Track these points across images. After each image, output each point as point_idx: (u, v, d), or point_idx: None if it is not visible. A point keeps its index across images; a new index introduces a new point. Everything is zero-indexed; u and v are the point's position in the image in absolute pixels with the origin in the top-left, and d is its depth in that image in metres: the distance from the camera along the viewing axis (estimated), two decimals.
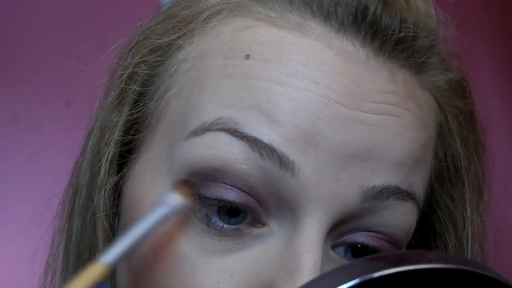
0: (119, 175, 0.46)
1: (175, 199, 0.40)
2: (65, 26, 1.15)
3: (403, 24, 0.42)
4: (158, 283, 0.41)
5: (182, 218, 0.41)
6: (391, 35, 0.41)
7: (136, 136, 0.46)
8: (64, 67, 1.13)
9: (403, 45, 0.42)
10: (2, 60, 1.13)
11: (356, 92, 0.40)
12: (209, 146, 0.40)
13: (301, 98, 0.39)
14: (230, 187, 0.40)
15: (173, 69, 0.44)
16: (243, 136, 0.39)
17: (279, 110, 0.39)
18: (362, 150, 0.40)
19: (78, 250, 0.48)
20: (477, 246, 0.50)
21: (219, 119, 0.40)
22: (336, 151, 0.39)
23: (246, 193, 0.40)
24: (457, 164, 0.48)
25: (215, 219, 0.40)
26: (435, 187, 0.47)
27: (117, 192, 0.47)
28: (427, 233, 0.50)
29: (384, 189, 0.41)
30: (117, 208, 0.47)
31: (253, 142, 0.39)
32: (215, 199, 0.40)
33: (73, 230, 0.49)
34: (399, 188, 0.41)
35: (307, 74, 0.40)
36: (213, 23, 0.43)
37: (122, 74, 0.48)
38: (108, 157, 0.46)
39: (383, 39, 0.42)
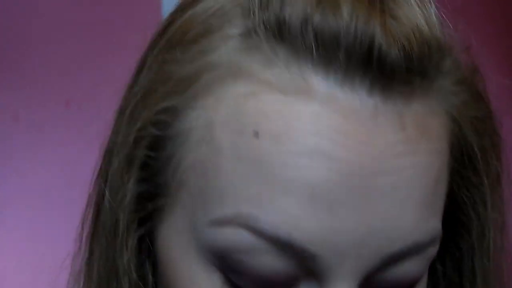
0: (142, 227, 0.47)
1: None
2: (65, 26, 1.15)
3: (411, 55, 0.41)
4: None
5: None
6: (398, 73, 0.40)
7: (159, 197, 0.46)
8: (64, 67, 1.13)
9: (411, 80, 0.41)
10: (2, 61, 1.13)
11: (368, 159, 0.40)
12: (232, 239, 0.41)
13: (316, 181, 0.40)
14: (258, 275, 0.41)
15: (182, 136, 0.44)
16: (263, 234, 0.41)
17: (295, 202, 0.40)
18: (377, 226, 0.41)
19: None
20: (499, 234, 0.50)
21: (239, 214, 0.41)
22: (354, 233, 0.40)
23: (274, 279, 0.42)
24: (475, 162, 0.48)
25: None
26: (455, 180, 0.48)
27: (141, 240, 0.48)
28: (451, 222, 0.50)
29: (403, 252, 0.42)
30: (144, 254, 0.48)
31: (274, 239, 0.40)
32: (243, 285, 0.42)
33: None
34: (418, 246, 0.42)
35: (319, 148, 0.40)
36: (214, 87, 0.43)
37: (128, 134, 0.47)
38: (125, 225, 0.47)
39: (390, 80, 0.41)
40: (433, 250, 0.44)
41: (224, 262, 0.42)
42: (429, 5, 0.43)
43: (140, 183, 0.46)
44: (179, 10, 0.47)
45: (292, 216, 0.40)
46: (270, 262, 0.41)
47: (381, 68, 0.40)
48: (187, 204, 0.44)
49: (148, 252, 0.48)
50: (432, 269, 0.49)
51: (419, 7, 0.42)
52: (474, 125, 0.46)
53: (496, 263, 0.51)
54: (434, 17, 0.43)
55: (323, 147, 0.40)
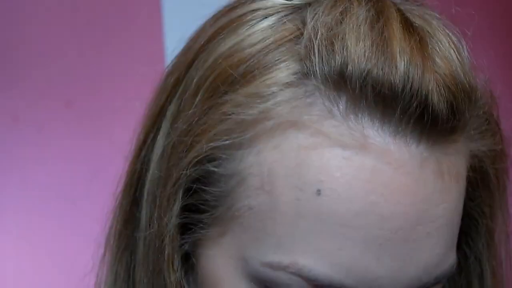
0: (184, 241, 0.49)
1: None
2: (65, 26, 1.15)
3: (455, 110, 0.44)
4: None
5: None
6: (444, 126, 0.44)
7: (210, 225, 0.48)
8: (64, 67, 1.13)
9: (453, 130, 0.45)
10: (2, 60, 1.13)
11: (412, 210, 0.44)
12: (284, 281, 0.44)
13: (369, 238, 0.44)
14: None
15: (239, 178, 0.46)
16: (316, 285, 0.44)
17: (349, 257, 0.44)
18: (412, 270, 0.45)
19: None
20: (505, 246, 0.55)
21: (295, 264, 0.44)
22: (393, 277, 0.45)
23: None
24: (489, 181, 0.52)
25: None
26: (466, 200, 0.51)
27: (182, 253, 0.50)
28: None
29: (424, 285, 0.46)
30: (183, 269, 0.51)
31: (326, 285, 0.44)
32: None
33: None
34: (438, 278, 0.46)
35: (373, 208, 0.43)
36: (276, 134, 0.45)
37: (176, 167, 0.48)
38: (170, 255, 0.49)
39: (437, 132, 0.44)
40: (450, 275, 0.48)
41: None
42: (463, 50, 0.47)
43: (186, 210, 0.48)
44: (219, 28, 0.48)
45: (345, 268, 0.44)
46: None
47: (432, 123, 0.43)
48: (239, 237, 0.46)
49: (190, 267, 0.50)
50: None
51: (457, 55, 0.45)
52: (491, 154, 0.50)
53: (501, 273, 0.55)
54: (467, 62, 0.46)
55: (377, 206, 0.43)
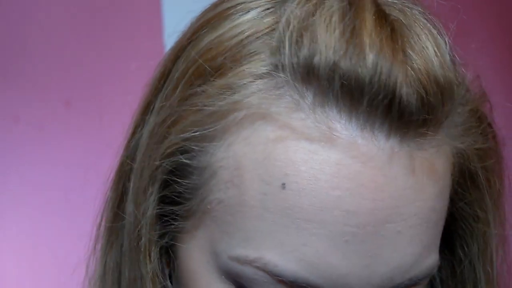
0: (165, 232, 0.50)
1: None
2: (65, 26, 1.15)
3: (427, 104, 0.43)
4: None
5: None
6: (415, 119, 0.43)
7: (184, 218, 0.49)
8: (64, 67, 1.13)
9: (426, 124, 0.44)
10: (2, 60, 1.13)
11: (380, 206, 0.43)
12: (250, 276, 0.45)
13: (335, 234, 0.43)
14: None
15: (210, 171, 0.46)
16: (281, 280, 0.44)
17: (314, 254, 0.43)
18: (382, 268, 0.44)
19: None
20: (501, 250, 0.54)
21: (261, 258, 0.44)
22: (361, 275, 0.44)
23: None
24: (478, 182, 0.51)
25: None
26: (455, 201, 0.50)
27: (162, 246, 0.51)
28: (451, 235, 0.53)
29: (401, 285, 0.45)
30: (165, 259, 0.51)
31: (292, 282, 0.44)
32: None
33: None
34: (415, 279, 0.45)
35: (339, 204, 0.43)
36: (246, 126, 0.45)
37: (150, 158, 0.49)
38: (147, 245, 0.49)
39: (407, 125, 0.43)
40: (429, 277, 0.47)
41: (240, 284, 0.45)
42: (444, 44, 0.45)
43: (162, 201, 0.49)
44: (209, 19, 0.49)
45: (310, 264, 0.43)
46: None
47: (400, 116, 0.42)
48: (211, 230, 0.46)
49: (168, 260, 0.51)
50: (431, 282, 0.53)
51: (434, 49, 0.44)
52: (479, 152, 0.49)
53: (497, 276, 0.54)
54: (448, 57, 0.45)
55: (342, 201, 0.43)
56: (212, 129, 0.45)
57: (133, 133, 0.52)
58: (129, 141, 0.53)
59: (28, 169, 1.11)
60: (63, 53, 1.14)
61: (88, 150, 1.09)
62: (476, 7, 1.23)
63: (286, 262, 0.44)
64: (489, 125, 0.50)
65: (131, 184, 0.50)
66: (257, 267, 0.44)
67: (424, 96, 0.42)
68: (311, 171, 0.43)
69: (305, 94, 0.43)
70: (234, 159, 0.45)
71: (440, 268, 0.53)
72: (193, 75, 0.47)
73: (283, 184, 0.43)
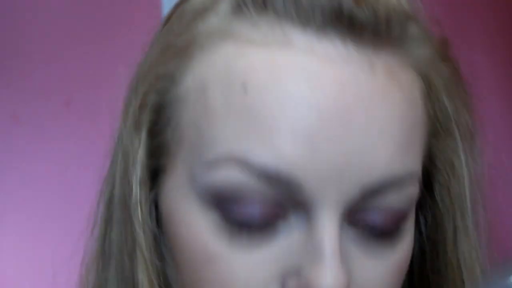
0: (153, 192, 0.52)
1: None
2: (65, 26, 1.15)
3: (377, 14, 0.46)
4: (202, 278, 0.48)
5: (210, 227, 0.47)
6: (367, 27, 0.46)
7: (160, 162, 0.51)
8: (64, 67, 1.13)
9: (379, 33, 0.47)
10: (2, 60, 1.13)
11: (343, 99, 0.45)
12: (225, 176, 0.46)
13: (299, 123, 0.45)
14: (252, 210, 0.46)
15: (180, 98, 0.49)
16: (252, 166, 0.45)
17: (281, 138, 0.45)
18: (355, 156, 0.45)
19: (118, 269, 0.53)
20: (478, 191, 0.55)
21: (230, 154, 0.46)
22: (334, 162, 0.45)
23: (267, 213, 0.46)
24: (448, 119, 0.52)
25: (241, 226, 0.47)
26: (432, 142, 0.52)
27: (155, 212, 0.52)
28: (431, 183, 0.54)
29: (381, 184, 0.46)
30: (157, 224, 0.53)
31: (261, 171, 0.45)
32: (239, 220, 0.46)
33: (111, 248, 0.54)
34: (396, 178, 0.46)
35: (300, 96, 0.45)
36: (206, 50, 0.49)
37: (134, 103, 0.52)
38: (138, 180, 0.51)
39: (360, 32, 0.46)
40: (413, 189, 0.48)
41: (220, 200, 0.46)
42: None
43: (148, 148, 0.51)
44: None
45: (278, 151, 0.45)
46: (261, 197, 0.46)
47: (351, 23, 0.46)
48: (186, 158, 0.49)
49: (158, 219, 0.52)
50: (416, 233, 0.53)
51: None
52: (446, 85, 0.51)
53: (476, 221, 0.55)
54: None
55: (303, 94, 0.45)
56: (180, 62, 0.49)
57: (125, 108, 0.56)
58: (122, 116, 0.56)
59: (28, 169, 1.11)
60: (63, 53, 1.14)
61: (88, 150, 1.09)
62: (474, 6, 1.23)
63: (254, 152, 0.45)
64: (454, 65, 0.52)
65: (120, 146, 0.53)
66: (230, 164, 0.46)
67: (374, 6, 0.46)
68: (271, 72, 0.46)
69: (264, 17, 0.47)
70: (199, 81, 0.48)
71: (426, 223, 0.55)
72: (165, 28, 0.53)
73: (244, 85, 0.46)
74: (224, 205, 0.46)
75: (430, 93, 0.50)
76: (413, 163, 0.48)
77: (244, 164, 0.45)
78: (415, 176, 0.48)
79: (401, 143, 0.46)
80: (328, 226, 0.45)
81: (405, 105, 0.47)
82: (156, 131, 0.51)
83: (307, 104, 0.45)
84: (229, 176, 0.46)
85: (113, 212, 0.54)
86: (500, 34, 1.24)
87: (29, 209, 1.11)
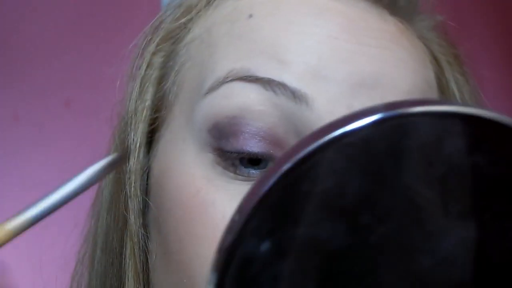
0: (147, 158, 0.49)
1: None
2: (65, 26, 1.15)
3: None
4: (190, 235, 0.43)
5: (205, 171, 0.43)
6: None
7: (158, 116, 0.49)
8: (64, 67, 1.13)
9: (395, 2, 0.46)
10: (2, 60, 1.13)
11: (353, 28, 0.44)
12: (225, 96, 0.43)
13: (304, 39, 0.43)
14: (249, 136, 0.42)
15: (184, 49, 0.48)
16: (256, 79, 0.42)
17: (285, 52, 0.43)
18: (368, 79, 0.42)
19: (106, 245, 0.51)
20: None
21: (232, 70, 0.43)
22: (343, 81, 0.42)
23: (265, 139, 0.42)
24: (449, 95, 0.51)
25: (240, 166, 0.43)
26: None
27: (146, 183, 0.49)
28: None
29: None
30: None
31: (266, 83, 0.42)
32: (235, 152, 0.43)
33: (100, 225, 0.52)
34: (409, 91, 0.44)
35: (306, 19, 0.44)
36: (216, 3, 0.47)
37: (140, 64, 0.51)
38: (136, 144, 0.48)
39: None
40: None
41: (218, 130, 0.43)
42: None
43: (150, 108, 0.49)
44: None
45: (283, 63, 0.43)
46: (263, 116, 0.42)
47: None
48: (184, 101, 0.46)
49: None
50: None
51: None
52: (450, 65, 0.50)
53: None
54: None
55: (311, 18, 0.43)
56: (186, 19, 0.49)
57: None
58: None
59: (28, 169, 1.11)
60: (63, 53, 1.14)
61: (87, 150, 1.09)
62: (476, 5, 1.23)
63: (257, 65, 0.43)
64: (456, 50, 0.51)
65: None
66: (231, 80, 0.43)
67: None
68: (278, 3, 0.45)
69: None
70: (205, 27, 0.47)
71: None
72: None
73: (250, 14, 0.45)
74: (221, 140, 0.43)
75: (437, 70, 0.49)
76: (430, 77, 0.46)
77: (246, 77, 0.43)
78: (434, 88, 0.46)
79: (416, 88, 0.44)
80: None
81: (419, 60, 0.46)
82: (159, 91, 0.49)
83: (316, 26, 0.43)
84: (229, 95, 0.43)
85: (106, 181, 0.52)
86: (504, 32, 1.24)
87: None
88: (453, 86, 0.50)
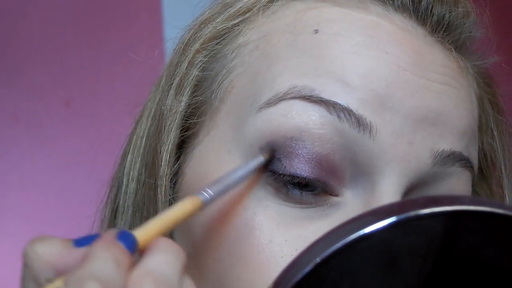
0: (178, 163, 0.47)
1: (262, 158, 0.41)
2: (65, 26, 1.15)
3: (453, 10, 0.45)
4: (232, 256, 0.41)
5: (255, 190, 0.42)
6: (443, 18, 0.44)
7: (196, 121, 0.46)
8: (64, 67, 1.13)
9: (454, 31, 0.45)
10: (2, 60, 1.13)
11: (421, 62, 0.42)
12: (284, 114, 0.41)
13: (374, 65, 0.41)
14: (304, 160, 0.40)
15: (234, 53, 0.45)
16: (321, 101, 0.40)
17: (354, 75, 0.41)
18: (431, 114, 0.42)
19: None
20: None
21: (294, 87, 0.41)
22: (409, 114, 0.41)
23: (320, 164, 0.41)
24: (494, 151, 0.50)
25: (292, 189, 0.41)
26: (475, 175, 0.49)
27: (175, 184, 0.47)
28: None
29: (451, 154, 0.42)
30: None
31: (331, 106, 0.40)
32: (287, 175, 0.41)
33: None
34: (463, 155, 0.43)
35: (377, 44, 0.42)
36: (273, 8, 0.45)
37: (181, 62, 0.48)
38: (169, 146, 0.46)
39: (437, 21, 0.44)
40: (470, 182, 0.44)
41: (273, 149, 0.41)
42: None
43: (188, 104, 0.46)
44: None
45: (350, 86, 0.41)
46: (323, 141, 0.40)
47: (429, 10, 0.44)
48: (232, 109, 0.44)
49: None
50: None
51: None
52: (491, 103, 0.49)
53: None
54: (472, 6, 0.48)
55: (381, 44, 0.42)
56: (238, 20, 0.46)
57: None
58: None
59: (28, 169, 1.11)
60: (63, 53, 1.14)
61: (87, 150, 1.09)
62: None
63: (322, 85, 0.41)
64: (498, 92, 0.51)
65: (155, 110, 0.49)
66: (292, 98, 0.41)
67: (448, 3, 0.45)
68: (344, 22, 0.43)
69: None
70: (262, 32, 0.45)
71: None
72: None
73: (315, 30, 0.42)
74: (273, 160, 0.41)
75: (482, 122, 0.48)
76: (474, 158, 0.45)
77: (309, 97, 0.40)
78: (474, 172, 0.44)
79: (470, 128, 0.44)
80: (391, 198, 0.40)
81: (473, 101, 0.45)
82: (199, 90, 0.46)
83: (384, 56, 0.41)
84: (289, 114, 0.41)
85: (127, 182, 0.49)
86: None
87: (29, 209, 1.11)
88: (492, 124, 0.49)
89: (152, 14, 1.14)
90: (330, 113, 0.40)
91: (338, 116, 0.40)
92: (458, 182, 0.43)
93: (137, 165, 0.49)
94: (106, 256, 0.31)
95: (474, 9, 0.48)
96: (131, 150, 0.50)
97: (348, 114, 0.40)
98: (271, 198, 0.41)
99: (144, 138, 0.49)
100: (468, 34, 0.46)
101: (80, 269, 0.31)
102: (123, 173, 0.50)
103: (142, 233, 0.34)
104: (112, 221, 0.51)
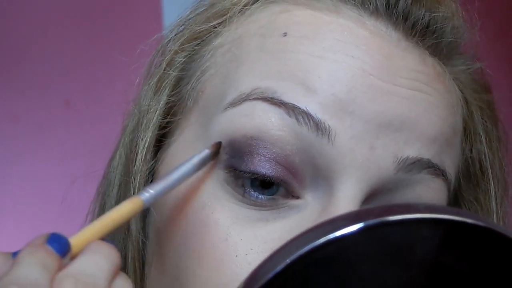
0: (154, 160, 0.48)
1: (207, 151, 0.42)
2: (65, 26, 1.15)
3: (431, 14, 0.44)
4: (189, 251, 0.42)
5: (214, 188, 0.42)
6: (420, 23, 0.43)
7: (172, 120, 0.47)
8: (64, 67, 1.13)
9: (431, 35, 0.44)
10: (2, 61, 1.13)
11: (389, 67, 0.42)
12: (246, 114, 0.42)
13: (337, 69, 0.41)
14: (265, 159, 0.41)
15: (209, 54, 0.46)
16: (281, 103, 0.41)
17: (315, 79, 0.41)
18: (395, 120, 0.41)
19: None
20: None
21: (257, 89, 0.42)
22: (370, 120, 0.41)
23: (281, 165, 0.41)
24: (483, 159, 0.49)
25: (250, 190, 0.42)
26: (461, 182, 0.49)
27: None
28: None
29: (417, 161, 0.42)
30: None
31: (290, 109, 0.41)
32: (248, 172, 0.41)
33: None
34: (431, 162, 0.42)
35: (343, 48, 0.42)
36: (250, 10, 0.45)
37: (160, 62, 0.49)
38: (145, 143, 0.47)
39: (413, 25, 0.43)
40: (443, 190, 0.43)
41: (234, 148, 0.42)
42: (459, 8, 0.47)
43: (164, 108, 0.47)
44: None
45: (311, 90, 0.41)
46: (281, 142, 0.41)
47: (406, 13, 0.43)
48: (202, 109, 0.45)
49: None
50: None
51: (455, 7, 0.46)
52: (482, 111, 0.48)
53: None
54: (458, 8, 0.47)
55: (348, 48, 0.42)
56: (216, 22, 0.46)
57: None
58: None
59: (28, 169, 1.11)
60: (63, 53, 1.14)
61: (87, 150, 1.10)
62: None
63: (284, 87, 0.41)
64: (489, 92, 0.50)
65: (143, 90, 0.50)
66: (254, 99, 0.41)
67: (427, 6, 0.44)
68: (314, 25, 0.43)
69: None
70: (236, 34, 0.45)
71: None
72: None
73: (284, 33, 0.43)
74: (235, 158, 0.41)
75: (469, 127, 0.47)
76: (448, 165, 0.44)
77: (270, 99, 0.41)
78: (448, 180, 0.44)
79: (442, 135, 0.43)
80: (348, 203, 0.40)
81: (449, 107, 0.45)
82: (177, 90, 0.47)
83: (350, 61, 0.41)
84: (250, 114, 0.41)
85: (113, 177, 0.51)
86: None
87: (28, 209, 1.11)
88: (481, 131, 0.48)
89: (152, 14, 1.14)
90: (290, 116, 0.41)
91: (297, 119, 0.41)
92: (426, 190, 0.42)
93: (122, 161, 0.50)
94: (30, 261, 0.33)
95: (461, 12, 0.47)
96: (120, 145, 0.51)
97: (307, 117, 0.41)
98: (228, 197, 0.42)
99: (128, 135, 0.50)
100: (449, 39, 0.45)
101: (5, 276, 0.32)
102: (111, 168, 0.51)
103: (78, 236, 0.35)
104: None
